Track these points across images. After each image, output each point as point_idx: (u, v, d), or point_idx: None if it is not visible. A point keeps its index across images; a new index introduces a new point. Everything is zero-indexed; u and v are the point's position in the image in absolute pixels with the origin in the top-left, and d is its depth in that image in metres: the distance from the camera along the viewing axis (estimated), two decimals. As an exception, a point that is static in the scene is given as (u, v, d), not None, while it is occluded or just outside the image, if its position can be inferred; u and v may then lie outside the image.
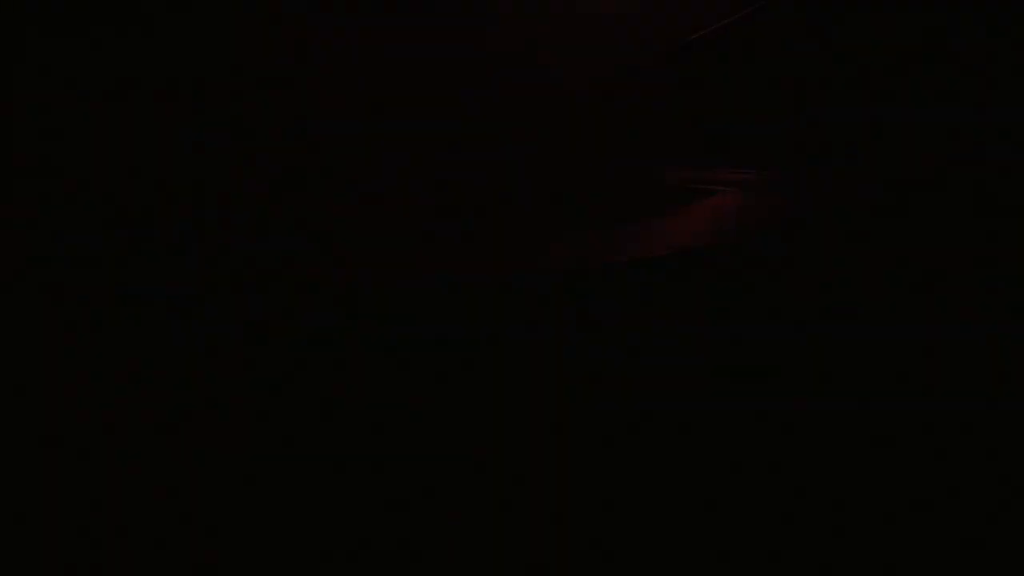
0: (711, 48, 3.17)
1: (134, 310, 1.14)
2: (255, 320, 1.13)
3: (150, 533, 0.96)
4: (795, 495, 1.03)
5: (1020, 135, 1.30)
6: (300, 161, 4.98)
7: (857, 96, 1.81)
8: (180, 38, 4.01)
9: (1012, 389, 1.12)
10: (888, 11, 1.70)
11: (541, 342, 1.16)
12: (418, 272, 1.25)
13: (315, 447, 1.09)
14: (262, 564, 0.90)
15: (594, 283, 1.14)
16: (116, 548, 0.93)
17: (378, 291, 1.14)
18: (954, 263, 1.14)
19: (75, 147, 3.63)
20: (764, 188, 1.58)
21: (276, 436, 1.09)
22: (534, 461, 1.08)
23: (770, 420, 1.15)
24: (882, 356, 1.19)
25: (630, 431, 1.13)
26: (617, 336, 1.17)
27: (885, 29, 1.70)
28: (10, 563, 0.89)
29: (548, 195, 4.55)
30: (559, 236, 1.57)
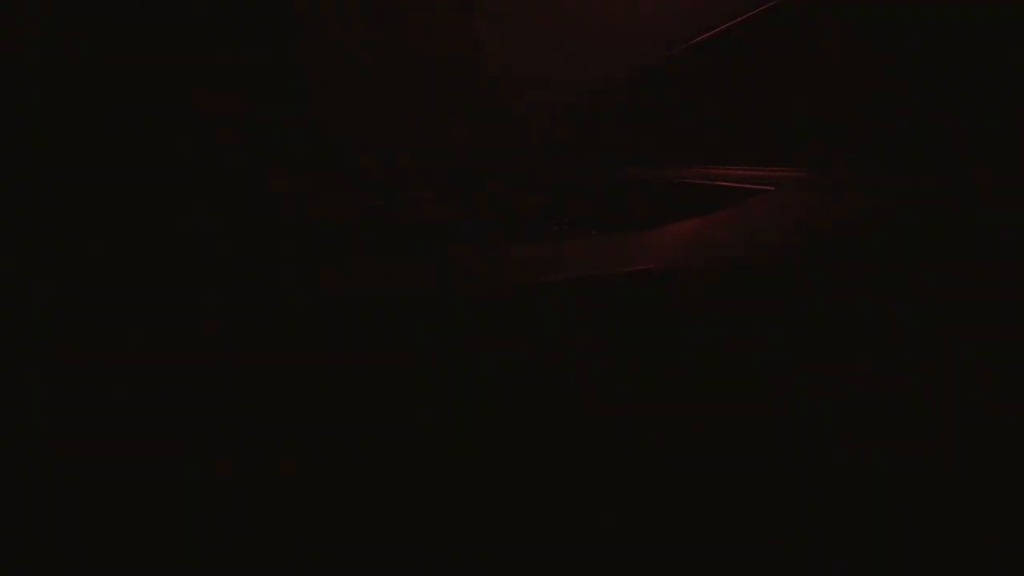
0: (729, 43, 3.07)
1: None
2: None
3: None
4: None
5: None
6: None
7: (897, 91, 1.70)
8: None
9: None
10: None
11: (559, 354, 1.08)
12: (435, 277, 1.17)
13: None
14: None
15: (620, 292, 1.05)
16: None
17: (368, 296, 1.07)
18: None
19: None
20: (810, 186, 1.47)
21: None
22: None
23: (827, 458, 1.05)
24: (959, 375, 1.07)
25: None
26: (652, 348, 1.07)
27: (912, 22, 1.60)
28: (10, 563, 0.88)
29: (565, 198, 4.46)
30: (579, 241, 1.48)
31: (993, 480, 0.97)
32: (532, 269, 1.14)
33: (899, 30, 1.76)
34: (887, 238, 1.09)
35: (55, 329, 1.08)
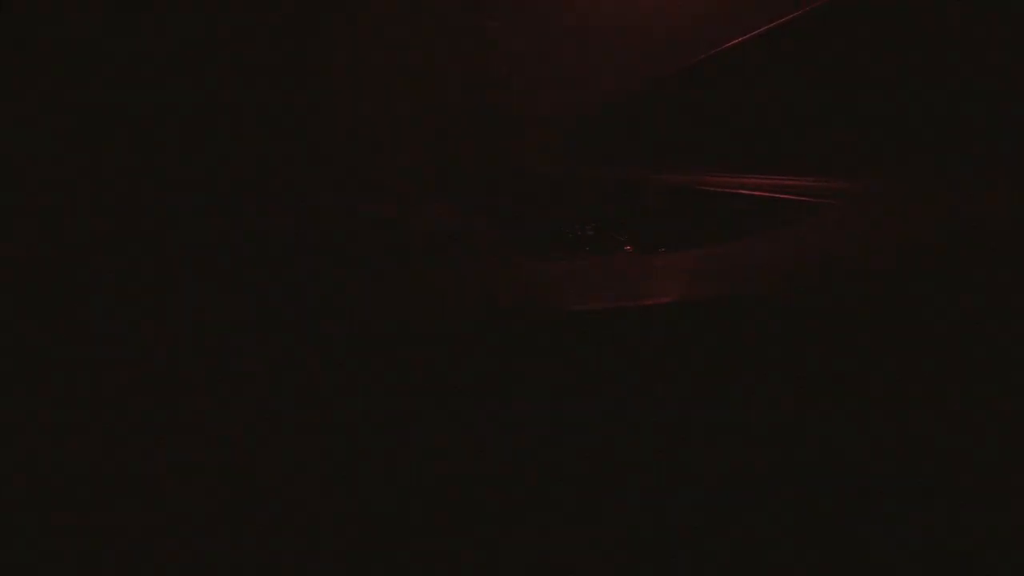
0: (766, 50, 2.88)
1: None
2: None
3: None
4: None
5: None
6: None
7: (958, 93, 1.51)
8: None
9: None
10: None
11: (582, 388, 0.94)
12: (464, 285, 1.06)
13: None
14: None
15: (647, 326, 0.91)
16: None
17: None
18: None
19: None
20: (880, 199, 1.28)
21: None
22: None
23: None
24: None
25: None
26: (709, 383, 0.92)
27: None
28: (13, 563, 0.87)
29: (589, 204, 4.32)
30: (606, 263, 1.35)
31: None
32: (555, 293, 0.99)
33: (963, 22, 1.57)
34: (974, 256, 0.92)
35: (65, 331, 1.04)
